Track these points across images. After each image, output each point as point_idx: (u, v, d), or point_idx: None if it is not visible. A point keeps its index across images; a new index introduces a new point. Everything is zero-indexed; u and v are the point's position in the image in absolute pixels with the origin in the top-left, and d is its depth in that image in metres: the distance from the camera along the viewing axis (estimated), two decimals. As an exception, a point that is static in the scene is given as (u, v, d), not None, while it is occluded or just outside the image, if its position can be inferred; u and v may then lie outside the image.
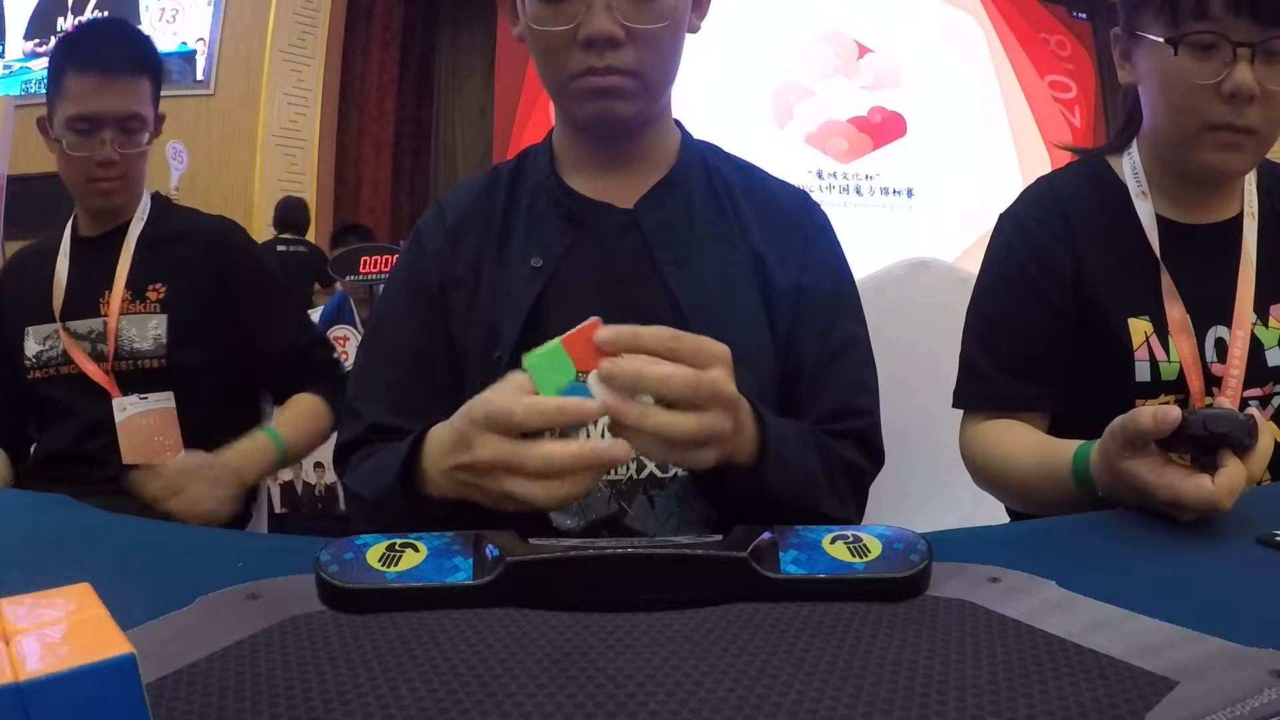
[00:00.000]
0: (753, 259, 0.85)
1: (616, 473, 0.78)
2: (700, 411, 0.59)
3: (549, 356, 0.58)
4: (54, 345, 1.34)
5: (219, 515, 1.20)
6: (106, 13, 6.30)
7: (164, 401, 1.33)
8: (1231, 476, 0.63)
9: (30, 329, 1.35)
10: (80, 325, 1.33)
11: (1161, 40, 0.88)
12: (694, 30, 0.86)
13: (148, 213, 1.39)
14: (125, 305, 1.33)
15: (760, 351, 0.82)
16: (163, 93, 1.37)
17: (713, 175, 0.89)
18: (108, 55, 1.28)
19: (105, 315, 1.33)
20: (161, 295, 1.34)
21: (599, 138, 0.86)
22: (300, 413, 1.39)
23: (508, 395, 0.58)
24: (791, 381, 0.84)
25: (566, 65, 0.79)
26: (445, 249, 0.87)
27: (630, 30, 0.77)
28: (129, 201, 1.37)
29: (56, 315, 1.33)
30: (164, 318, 1.34)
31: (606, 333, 0.57)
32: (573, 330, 0.58)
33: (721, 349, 0.61)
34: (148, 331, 1.33)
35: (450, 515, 0.71)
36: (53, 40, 6.29)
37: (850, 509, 0.81)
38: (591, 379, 0.58)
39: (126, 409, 1.31)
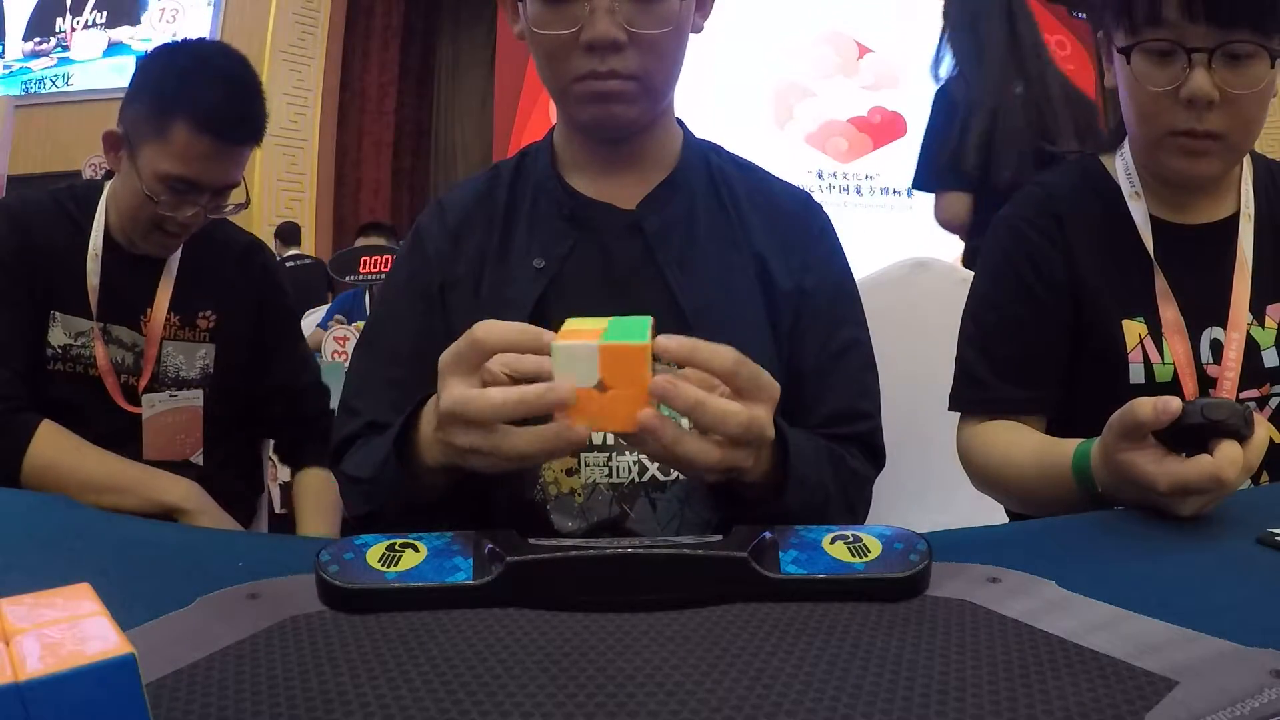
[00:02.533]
0: (755, 260, 0.85)
1: (618, 476, 0.78)
2: (733, 446, 0.58)
3: (578, 354, 0.54)
4: (86, 344, 1.25)
5: None
6: (106, 14, 6.30)
7: (193, 400, 1.31)
8: (1230, 451, 0.62)
9: (60, 315, 1.24)
10: (123, 332, 1.26)
11: (1121, 47, 0.88)
12: (697, 30, 0.85)
13: None
14: (172, 330, 1.28)
15: (762, 353, 0.82)
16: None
17: (715, 176, 0.89)
18: (234, 126, 1.17)
19: (144, 333, 1.26)
20: (211, 324, 1.31)
21: (600, 140, 0.85)
22: (325, 502, 1.40)
23: (459, 388, 0.58)
24: (793, 383, 0.84)
25: (568, 68, 0.79)
26: (446, 249, 0.86)
27: (633, 34, 0.77)
28: None
29: (94, 315, 1.24)
30: (212, 347, 1.31)
31: (670, 342, 0.56)
32: (613, 342, 0.54)
33: (774, 386, 0.60)
34: (195, 360, 1.30)
35: (441, 500, 0.72)
36: (52, 40, 6.29)
37: (858, 519, 0.81)
38: (559, 348, 0.54)
39: (156, 405, 1.28)
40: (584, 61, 0.77)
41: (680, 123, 0.91)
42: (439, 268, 0.86)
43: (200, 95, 1.15)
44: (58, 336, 1.24)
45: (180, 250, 1.29)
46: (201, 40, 1.29)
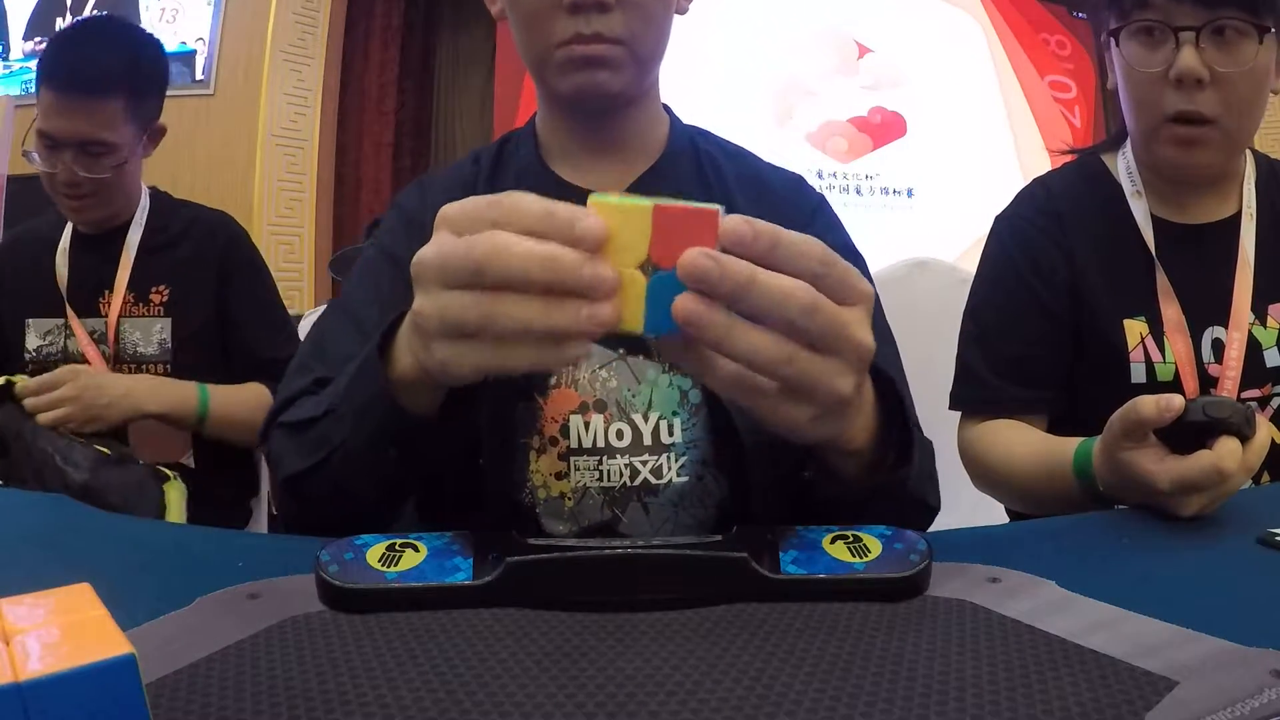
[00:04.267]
0: None
1: (609, 480, 0.76)
2: (810, 351, 0.45)
3: (628, 216, 0.41)
4: (54, 341, 1.31)
5: (99, 427, 1.19)
6: (106, 14, 6.29)
7: None
8: (1230, 443, 0.62)
9: (32, 321, 1.31)
10: (84, 324, 1.31)
11: (1111, 29, 0.89)
12: (682, 11, 0.84)
13: (147, 213, 1.36)
14: (127, 308, 1.31)
15: None
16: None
17: (703, 161, 0.87)
18: (76, 72, 1.20)
19: (105, 315, 1.31)
20: (165, 298, 1.32)
21: (584, 114, 0.83)
22: (246, 397, 1.33)
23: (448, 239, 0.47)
24: None
25: (551, 32, 0.75)
26: (428, 221, 0.84)
27: None
28: (121, 207, 1.34)
29: (66, 311, 1.30)
30: (168, 321, 1.32)
31: (741, 225, 0.42)
32: (675, 203, 0.41)
33: (867, 290, 0.47)
34: (152, 335, 1.32)
35: (404, 454, 0.62)
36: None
37: (937, 493, 0.75)
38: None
39: None
40: (567, 25, 0.74)
41: (667, 108, 0.89)
42: (420, 240, 0.84)
43: (50, 57, 1.22)
44: (32, 340, 1.31)
45: (141, 232, 1.33)
46: (90, 15, 1.36)
